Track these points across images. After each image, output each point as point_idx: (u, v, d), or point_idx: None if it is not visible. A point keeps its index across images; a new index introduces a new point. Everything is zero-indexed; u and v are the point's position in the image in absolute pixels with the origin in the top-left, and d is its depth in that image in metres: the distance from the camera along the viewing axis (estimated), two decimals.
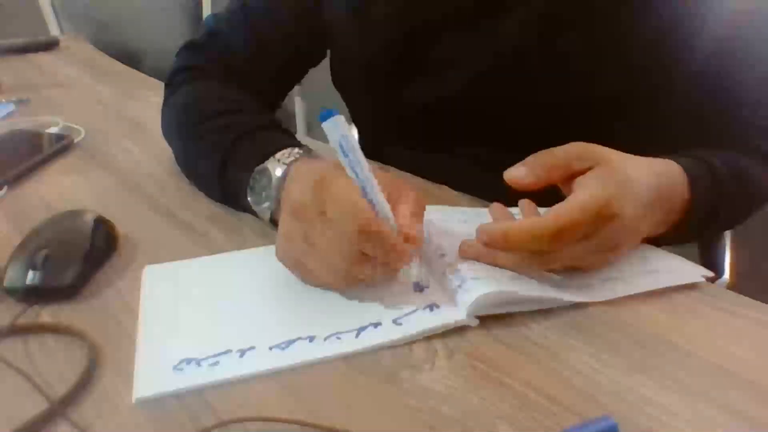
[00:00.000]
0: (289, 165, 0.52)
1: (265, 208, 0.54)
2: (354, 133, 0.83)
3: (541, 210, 0.50)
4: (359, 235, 0.42)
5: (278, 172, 0.52)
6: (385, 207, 0.44)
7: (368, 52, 0.68)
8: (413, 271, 0.46)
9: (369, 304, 0.45)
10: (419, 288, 0.46)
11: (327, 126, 0.43)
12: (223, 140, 0.59)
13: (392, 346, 0.42)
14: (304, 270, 0.47)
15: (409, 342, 0.42)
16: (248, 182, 0.55)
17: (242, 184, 0.55)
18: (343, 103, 0.79)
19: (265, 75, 0.73)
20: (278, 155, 0.53)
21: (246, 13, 0.73)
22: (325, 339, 0.42)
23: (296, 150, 0.54)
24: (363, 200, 0.43)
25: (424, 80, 0.66)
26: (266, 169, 0.53)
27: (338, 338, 0.42)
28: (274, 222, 0.54)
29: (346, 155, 0.43)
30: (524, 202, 0.51)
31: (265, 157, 0.54)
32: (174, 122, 0.70)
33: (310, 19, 0.71)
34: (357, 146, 0.44)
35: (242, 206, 0.58)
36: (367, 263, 0.43)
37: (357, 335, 0.42)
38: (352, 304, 0.45)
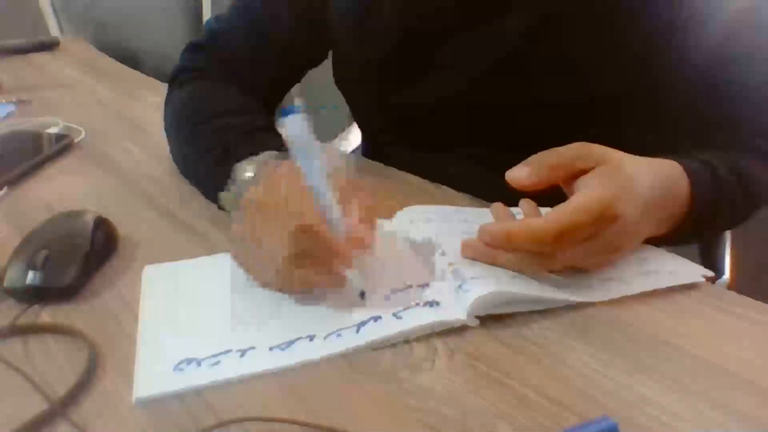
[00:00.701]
0: (260, 166, 0.53)
1: (232, 205, 0.54)
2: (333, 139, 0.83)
3: (543, 210, 0.50)
4: (299, 235, 0.42)
5: (249, 173, 0.53)
6: (334, 209, 0.44)
7: (371, 54, 0.68)
8: (356, 276, 0.45)
9: (369, 302, 0.45)
10: (362, 296, 0.45)
11: (285, 124, 0.43)
12: (218, 142, 0.59)
13: (392, 346, 0.42)
14: (249, 268, 0.47)
15: (409, 342, 0.42)
16: (222, 178, 0.55)
17: (216, 179, 0.56)
18: (341, 103, 0.79)
19: (266, 75, 0.73)
20: (254, 157, 0.54)
21: (248, 15, 0.73)
22: (326, 337, 0.42)
23: (270, 152, 0.54)
24: (309, 201, 0.43)
25: (426, 81, 0.66)
26: (240, 168, 0.54)
27: (339, 335, 0.42)
28: None
29: (299, 155, 0.43)
30: (525, 202, 0.51)
31: (242, 156, 0.54)
32: (172, 121, 0.70)
33: (312, 21, 0.71)
34: (313, 146, 0.43)
35: (217, 202, 0.58)
36: (309, 265, 0.43)
37: (357, 330, 0.42)
38: (352, 303, 0.45)
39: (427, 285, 0.46)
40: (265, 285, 0.47)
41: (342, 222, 0.44)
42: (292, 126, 0.42)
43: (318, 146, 0.44)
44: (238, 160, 0.54)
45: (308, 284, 0.45)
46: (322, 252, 0.43)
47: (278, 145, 0.55)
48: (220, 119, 0.63)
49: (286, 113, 0.43)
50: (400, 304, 0.44)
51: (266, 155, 0.54)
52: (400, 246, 0.52)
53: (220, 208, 0.56)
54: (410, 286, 0.46)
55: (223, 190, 0.58)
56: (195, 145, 0.63)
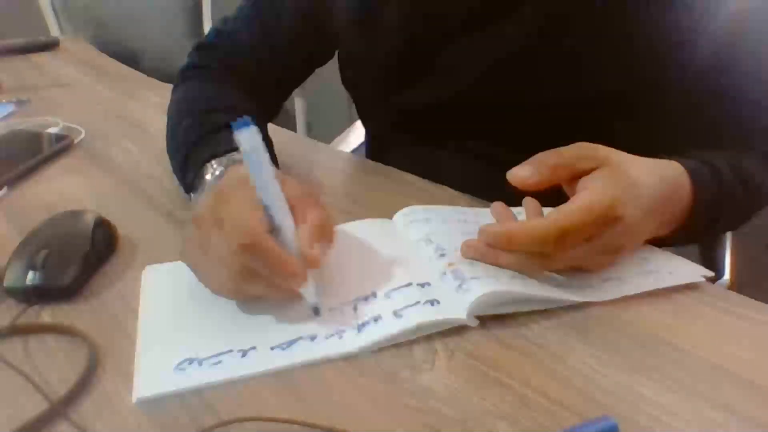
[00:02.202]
0: (226, 168, 0.53)
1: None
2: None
3: (545, 210, 0.50)
4: (242, 252, 0.41)
5: (209, 176, 0.53)
6: (286, 224, 0.43)
7: (377, 55, 0.68)
8: (310, 293, 0.44)
9: (370, 300, 0.45)
10: (317, 312, 0.44)
11: (238, 137, 0.42)
12: (188, 139, 0.60)
13: (393, 346, 0.42)
14: (199, 276, 0.46)
15: (409, 342, 0.42)
16: (191, 180, 0.56)
17: (186, 181, 0.57)
18: (341, 103, 0.79)
19: (271, 75, 0.74)
20: (222, 158, 0.54)
21: (254, 15, 0.74)
22: (327, 338, 0.42)
23: (235, 154, 0.54)
24: (255, 216, 0.43)
25: (432, 80, 0.66)
26: (204, 170, 0.54)
27: (340, 336, 0.42)
28: None
29: (251, 168, 0.42)
30: (529, 201, 0.51)
31: (209, 158, 0.55)
32: (167, 116, 0.71)
33: (318, 21, 0.71)
34: (266, 160, 0.43)
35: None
36: (258, 280, 0.42)
37: (359, 331, 0.42)
38: (353, 302, 0.45)
39: (427, 284, 0.46)
40: (217, 293, 0.46)
41: (294, 237, 0.43)
42: (245, 139, 0.42)
43: (268, 160, 0.43)
44: (206, 160, 0.55)
45: (256, 296, 0.44)
46: (268, 269, 0.42)
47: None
48: (204, 116, 0.64)
49: (238, 126, 0.42)
50: (401, 303, 0.44)
51: (231, 157, 0.54)
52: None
53: None
54: (410, 284, 0.46)
55: (190, 187, 0.58)
56: (174, 141, 0.64)
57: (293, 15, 0.72)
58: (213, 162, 0.55)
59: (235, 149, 0.53)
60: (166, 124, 0.70)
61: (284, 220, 0.43)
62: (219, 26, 0.77)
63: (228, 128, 0.57)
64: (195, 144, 0.59)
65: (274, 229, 0.43)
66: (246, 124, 0.42)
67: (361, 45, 0.69)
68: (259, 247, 0.41)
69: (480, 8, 0.62)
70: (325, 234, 0.45)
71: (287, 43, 0.73)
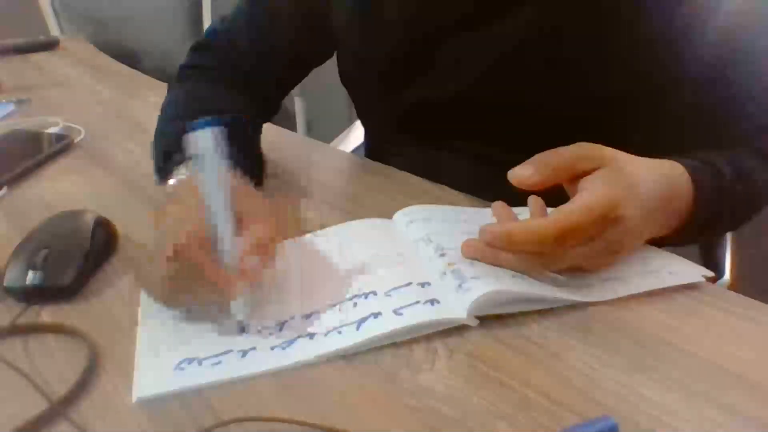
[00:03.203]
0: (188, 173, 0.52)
1: None
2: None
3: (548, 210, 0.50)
4: (177, 257, 0.41)
5: (173, 179, 0.53)
6: (225, 234, 0.42)
7: (375, 54, 0.68)
8: (237, 307, 0.43)
9: (370, 299, 0.45)
10: (243, 329, 0.43)
11: (192, 139, 0.41)
12: (170, 139, 0.60)
13: (392, 346, 0.42)
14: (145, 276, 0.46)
15: (409, 342, 0.42)
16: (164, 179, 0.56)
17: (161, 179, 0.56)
18: (341, 103, 0.79)
19: (270, 75, 0.74)
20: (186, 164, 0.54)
21: (252, 15, 0.73)
22: (326, 335, 0.42)
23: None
24: (196, 222, 0.42)
25: (431, 79, 0.66)
26: (175, 174, 0.54)
27: (339, 332, 0.42)
28: None
29: (203, 172, 0.42)
30: (534, 199, 0.50)
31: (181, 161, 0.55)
32: (158, 118, 0.71)
33: (317, 20, 0.71)
34: (216, 164, 0.42)
35: None
36: (187, 289, 0.42)
37: (358, 327, 0.42)
38: (353, 299, 0.45)
39: (427, 284, 0.46)
40: (151, 297, 0.45)
41: (233, 248, 0.42)
42: (201, 140, 0.41)
43: (225, 165, 0.42)
44: (178, 163, 0.54)
45: (182, 305, 0.44)
46: (198, 278, 0.41)
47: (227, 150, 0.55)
48: (190, 118, 0.63)
49: (195, 127, 0.41)
50: (401, 302, 0.44)
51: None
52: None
53: None
54: (410, 284, 0.46)
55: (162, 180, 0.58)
56: (157, 142, 0.64)
57: (291, 14, 0.72)
58: (182, 165, 0.54)
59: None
60: (159, 118, 0.70)
61: (225, 229, 0.42)
62: (216, 26, 0.77)
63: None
64: (174, 146, 0.58)
65: (213, 238, 0.42)
66: (205, 125, 0.41)
67: (361, 44, 0.69)
68: (188, 255, 0.40)
69: (479, 7, 0.62)
70: (265, 249, 0.43)
71: (285, 42, 0.73)
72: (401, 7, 0.65)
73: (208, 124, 0.41)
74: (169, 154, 0.57)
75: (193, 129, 0.41)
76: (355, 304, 0.45)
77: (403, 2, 0.65)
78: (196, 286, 0.42)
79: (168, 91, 0.74)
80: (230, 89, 0.71)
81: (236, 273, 0.42)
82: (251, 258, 0.42)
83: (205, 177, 0.42)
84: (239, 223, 0.44)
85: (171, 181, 0.52)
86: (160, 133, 0.65)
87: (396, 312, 0.43)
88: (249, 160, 0.59)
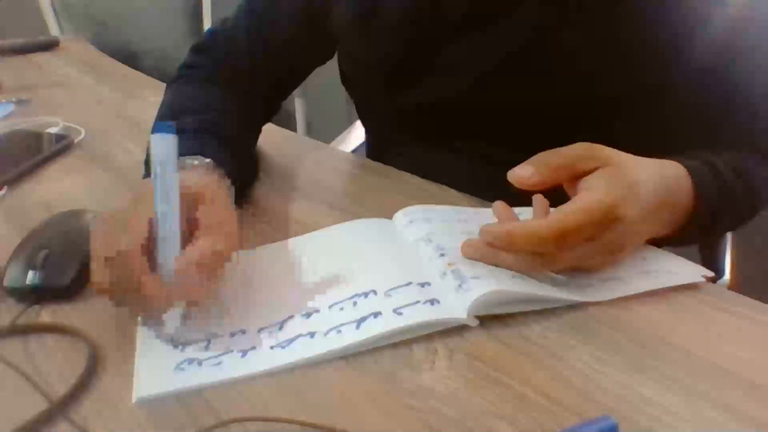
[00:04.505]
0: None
1: None
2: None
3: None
4: (100, 263, 0.40)
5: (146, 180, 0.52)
6: (168, 246, 0.41)
7: (377, 55, 0.68)
8: (170, 321, 0.42)
9: (370, 298, 0.45)
10: (174, 344, 0.42)
11: (152, 142, 0.40)
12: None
13: (392, 346, 0.42)
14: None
15: (409, 342, 0.42)
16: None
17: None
18: (341, 103, 0.79)
19: (269, 75, 0.74)
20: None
21: (252, 16, 0.73)
22: (326, 333, 0.42)
23: (197, 159, 0.53)
24: (139, 228, 0.41)
25: (431, 80, 0.66)
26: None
27: (339, 331, 0.42)
28: None
29: (156, 177, 0.41)
30: (538, 198, 0.50)
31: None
32: (159, 113, 0.71)
33: (317, 22, 0.71)
34: (174, 170, 0.41)
35: None
36: (123, 294, 0.41)
37: (357, 326, 0.42)
38: (353, 299, 0.45)
39: (427, 284, 0.46)
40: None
41: (171, 261, 0.41)
42: (158, 144, 0.40)
43: (176, 173, 0.41)
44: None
45: (121, 305, 0.43)
46: (130, 287, 0.40)
47: (209, 150, 0.55)
48: (178, 119, 0.63)
49: (157, 129, 0.40)
50: (401, 301, 0.44)
51: (188, 160, 0.53)
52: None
53: None
54: (410, 283, 0.46)
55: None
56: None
57: (291, 15, 0.72)
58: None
59: (190, 155, 0.52)
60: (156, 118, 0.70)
61: (167, 239, 0.41)
62: (216, 27, 0.77)
63: (190, 132, 0.55)
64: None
65: (155, 244, 0.41)
66: (165, 129, 0.40)
67: (361, 44, 0.70)
68: (122, 263, 0.40)
69: (479, 8, 0.62)
70: (206, 267, 0.41)
71: (285, 44, 0.73)
72: (401, 8, 0.65)
73: (165, 128, 0.40)
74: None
75: (154, 131, 0.40)
76: (355, 304, 0.45)
77: (403, 4, 0.65)
78: (130, 294, 0.41)
79: (165, 91, 0.74)
80: (227, 89, 0.71)
81: (171, 287, 0.41)
82: (188, 274, 0.41)
83: (156, 182, 0.41)
84: (193, 232, 0.43)
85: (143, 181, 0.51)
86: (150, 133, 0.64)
87: (396, 311, 0.43)
88: (236, 160, 0.58)
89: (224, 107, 0.67)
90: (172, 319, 0.42)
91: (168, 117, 0.65)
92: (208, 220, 0.44)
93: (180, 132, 0.52)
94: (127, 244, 0.40)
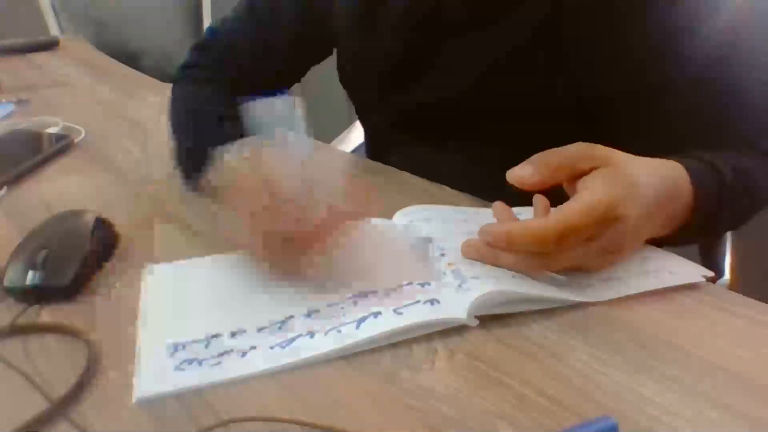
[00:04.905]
0: (237, 151, 0.53)
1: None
2: (360, 132, 0.83)
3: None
4: (270, 217, 0.43)
5: (228, 156, 0.53)
6: (310, 196, 0.44)
7: (376, 54, 0.69)
8: (324, 264, 0.45)
9: (369, 298, 0.45)
10: (326, 285, 0.46)
11: (273, 103, 0.43)
12: (225, 130, 0.60)
13: (392, 346, 0.42)
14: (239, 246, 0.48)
15: (409, 342, 0.42)
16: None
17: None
18: (341, 103, 0.79)
19: (268, 73, 0.74)
20: (238, 142, 0.54)
21: (251, 15, 0.74)
22: (326, 333, 0.42)
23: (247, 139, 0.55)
24: (285, 185, 0.44)
25: (431, 80, 0.66)
26: (218, 155, 0.54)
27: (339, 331, 0.42)
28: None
29: (282, 137, 0.43)
30: (539, 198, 0.50)
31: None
32: (173, 116, 0.71)
33: (316, 21, 0.72)
34: (300, 130, 0.44)
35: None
36: (281, 248, 0.44)
37: (357, 326, 0.42)
38: (353, 299, 0.45)
39: (427, 284, 0.46)
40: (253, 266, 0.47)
41: (315, 209, 0.44)
42: (281, 107, 0.42)
43: (303, 131, 0.44)
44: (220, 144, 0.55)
45: (280, 267, 0.46)
46: (293, 236, 0.43)
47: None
48: (223, 119, 0.64)
49: (275, 93, 0.42)
50: (401, 301, 0.44)
51: (247, 140, 0.54)
52: (398, 244, 0.52)
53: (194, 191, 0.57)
54: (410, 283, 0.46)
55: (194, 174, 0.58)
56: (180, 136, 0.65)
57: (292, 14, 0.72)
58: (225, 147, 0.55)
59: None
60: (170, 119, 0.71)
61: (308, 192, 0.44)
62: (216, 26, 0.77)
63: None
64: (206, 133, 0.60)
65: (298, 199, 0.44)
66: (285, 94, 0.43)
67: (362, 41, 0.70)
68: (286, 215, 0.43)
69: (479, 8, 0.62)
70: (349, 213, 0.46)
71: (284, 42, 0.73)
72: (402, 8, 0.65)
73: (285, 93, 0.44)
74: (201, 152, 0.57)
75: (275, 96, 0.43)
76: (355, 303, 0.45)
77: (403, 4, 0.65)
78: (288, 242, 0.44)
79: (172, 91, 0.74)
80: (230, 90, 0.71)
81: (317, 233, 0.44)
82: (332, 218, 0.44)
83: (288, 142, 0.44)
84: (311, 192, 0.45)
85: (228, 156, 0.52)
86: (193, 133, 0.65)
87: (396, 311, 0.43)
88: None
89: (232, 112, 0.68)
90: (324, 262, 0.45)
91: (187, 113, 0.66)
92: (330, 173, 0.47)
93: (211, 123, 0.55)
94: (269, 200, 0.43)
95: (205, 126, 0.62)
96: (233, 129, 0.60)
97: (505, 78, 0.62)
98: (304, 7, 0.72)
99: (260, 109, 0.42)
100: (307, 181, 0.44)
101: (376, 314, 0.43)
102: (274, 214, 0.43)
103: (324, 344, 0.41)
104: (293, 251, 0.44)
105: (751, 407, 0.36)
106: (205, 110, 0.66)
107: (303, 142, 0.43)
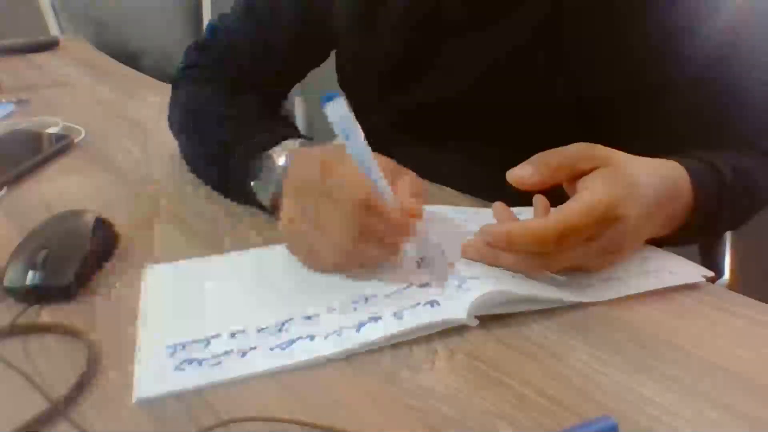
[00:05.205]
0: (292, 151, 0.54)
1: (267, 193, 0.56)
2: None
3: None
4: (361, 210, 0.44)
5: (282, 159, 0.54)
6: (385, 186, 0.45)
7: (376, 53, 0.69)
8: (413, 246, 0.47)
9: (370, 302, 0.45)
10: (422, 264, 0.47)
11: (330, 109, 0.43)
12: (227, 130, 0.60)
13: (392, 346, 0.42)
14: (309, 251, 0.48)
15: (409, 342, 0.42)
16: (253, 169, 0.56)
17: (246, 171, 0.57)
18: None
19: (268, 73, 0.74)
20: (283, 144, 0.55)
21: (251, 15, 0.74)
22: (326, 337, 0.42)
23: (299, 140, 0.56)
24: (360, 178, 0.44)
25: (431, 80, 0.66)
26: (270, 157, 0.55)
27: (339, 335, 0.42)
28: (274, 209, 0.55)
29: (348, 137, 0.44)
30: (539, 198, 0.50)
31: (270, 145, 0.56)
32: (179, 119, 0.71)
33: (315, 20, 0.72)
34: (358, 128, 0.44)
35: (244, 194, 0.59)
36: (371, 240, 0.45)
37: (358, 330, 0.42)
38: (353, 303, 0.45)
39: (427, 285, 0.46)
40: (327, 267, 0.48)
41: (393, 196, 0.45)
42: (335, 109, 0.43)
43: (359, 128, 0.45)
44: (248, 148, 0.56)
45: (371, 259, 0.47)
46: (383, 225, 0.45)
47: (292, 132, 0.58)
48: (228, 108, 0.65)
49: (327, 99, 0.43)
50: (401, 305, 0.44)
51: (292, 143, 0.55)
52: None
53: (247, 201, 0.58)
54: (410, 286, 0.46)
55: (230, 177, 0.59)
56: (201, 136, 0.65)
57: (291, 14, 0.72)
58: (276, 148, 0.56)
59: (281, 141, 0.56)
60: (178, 126, 0.71)
61: (382, 182, 0.45)
62: (215, 25, 0.77)
63: (275, 119, 0.60)
64: (239, 137, 0.60)
65: (374, 191, 0.45)
66: (335, 96, 0.43)
67: (361, 42, 0.70)
68: (373, 204, 0.44)
69: (478, 9, 0.62)
70: (419, 194, 0.48)
71: (283, 42, 0.73)
72: (402, 8, 0.65)
73: (335, 95, 0.44)
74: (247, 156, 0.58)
75: (326, 101, 0.44)
76: (355, 309, 0.45)
77: (401, 5, 0.65)
78: (380, 233, 0.45)
79: (174, 91, 0.74)
80: (233, 90, 0.71)
81: (404, 216, 0.45)
82: (413, 201, 0.46)
83: (352, 140, 0.44)
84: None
85: (281, 159, 0.54)
86: (215, 127, 0.65)
87: (396, 315, 0.43)
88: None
89: (252, 104, 0.69)
90: (412, 245, 0.47)
91: (211, 111, 0.67)
92: (386, 166, 0.47)
93: (252, 122, 0.57)
94: (367, 193, 0.44)
95: (223, 130, 0.63)
96: (239, 129, 0.61)
97: (505, 78, 0.62)
98: (304, 7, 0.72)
99: (330, 109, 0.43)
100: (383, 177, 0.46)
101: (376, 318, 0.43)
102: (368, 209, 0.44)
103: (324, 347, 0.41)
104: (389, 238, 0.46)
105: (751, 407, 0.36)
106: (223, 114, 0.66)
107: (361, 136, 0.45)
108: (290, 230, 0.48)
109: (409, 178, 0.49)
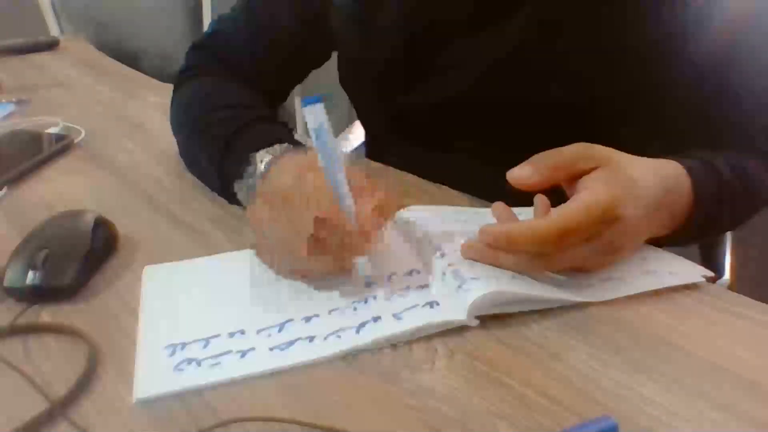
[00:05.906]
0: (275, 157, 0.54)
1: (245, 195, 0.56)
2: (359, 130, 0.83)
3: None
4: (317, 224, 0.43)
5: (263, 163, 0.54)
6: (346, 199, 0.45)
7: (374, 56, 0.69)
8: (362, 265, 0.46)
9: (369, 303, 0.45)
10: (368, 284, 0.47)
11: (306, 112, 0.43)
12: (224, 131, 0.60)
13: (392, 346, 0.42)
14: (271, 258, 0.48)
15: (409, 342, 0.42)
16: (240, 173, 0.56)
17: (236, 175, 0.57)
18: (341, 103, 0.79)
19: (268, 75, 0.74)
20: (269, 148, 0.55)
21: (251, 15, 0.74)
22: (326, 338, 0.42)
23: (286, 145, 0.55)
24: (326, 190, 0.45)
25: (429, 82, 0.66)
26: (254, 160, 0.55)
27: (338, 336, 0.42)
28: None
29: (320, 145, 0.44)
30: (540, 198, 0.50)
31: (259, 148, 0.55)
32: (179, 117, 0.71)
33: (315, 22, 0.71)
34: (330, 136, 0.44)
35: (231, 193, 0.59)
36: (323, 252, 0.45)
37: (357, 331, 0.42)
38: (353, 304, 0.45)
39: (427, 285, 0.46)
40: (284, 275, 0.48)
41: (353, 212, 0.45)
42: (313, 115, 0.43)
43: (334, 138, 0.45)
44: (247, 151, 0.55)
45: (324, 270, 0.47)
46: (336, 240, 0.44)
47: (286, 135, 0.58)
48: (225, 110, 0.64)
49: (307, 102, 0.43)
50: (400, 306, 0.44)
51: (280, 147, 0.55)
52: (417, 236, 0.53)
53: (231, 200, 0.58)
54: (408, 287, 0.46)
55: (224, 180, 0.59)
56: (200, 137, 0.65)
57: (289, 15, 0.72)
58: (261, 151, 0.55)
59: (275, 142, 0.55)
60: (176, 123, 0.70)
61: (344, 194, 0.45)
62: (215, 25, 0.77)
63: (259, 122, 0.60)
64: (234, 134, 0.60)
65: (337, 204, 0.45)
66: (315, 101, 0.43)
67: (361, 43, 0.70)
68: (331, 220, 0.44)
69: (477, 10, 0.62)
70: (382, 211, 0.47)
71: (283, 44, 0.73)
72: (398, 11, 0.65)
73: (312, 101, 0.44)
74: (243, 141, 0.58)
75: (306, 105, 0.44)
76: (354, 309, 0.45)
77: (400, 6, 0.65)
78: (334, 248, 0.45)
79: (177, 90, 0.74)
80: (233, 84, 0.71)
81: (359, 234, 0.45)
82: (372, 219, 0.45)
83: (324, 149, 0.44)
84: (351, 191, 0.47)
85: (262, 161, 0.54)
86: (214, 124, 0.64)
87: (396, 316, 0.43)
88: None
89: (258, 100, 0.69)
90: (363, 263, 0.46)
91: (208, 109, 0.66)
92: (358, 178, 0.48)
93: (247, 123, 0.57)
94: (329, 206, 0.45)
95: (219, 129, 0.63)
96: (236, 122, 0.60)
97: (505, 78, 0.62)
98: (303, 8, 0.72)
99: (308, 113, 0.43)
100: (348, 185, 0.46)
101: (376, 319, 0.43)
102: (328, 218, 0.44)
103: (323, 349, 0.41)
104: (341, 254, 0.46)
105: (751, 407, 0.36)
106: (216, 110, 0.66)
107: (337, 145, 0.45)
108: (255, 231, 0.49)
109: (375, 195, 0.47)
